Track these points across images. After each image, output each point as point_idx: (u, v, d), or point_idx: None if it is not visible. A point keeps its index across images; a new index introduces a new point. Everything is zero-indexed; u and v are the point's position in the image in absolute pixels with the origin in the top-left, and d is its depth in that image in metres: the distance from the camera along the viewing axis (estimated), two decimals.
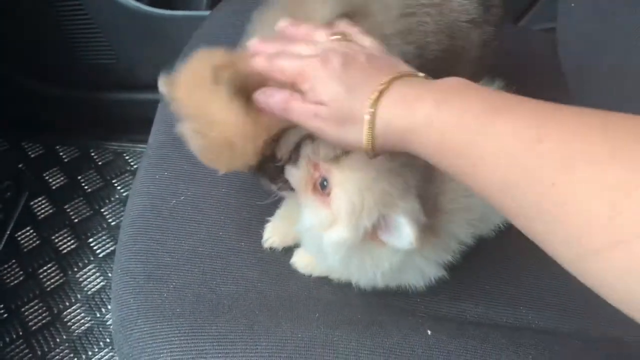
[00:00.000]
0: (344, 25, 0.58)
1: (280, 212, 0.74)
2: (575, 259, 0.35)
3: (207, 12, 0.85)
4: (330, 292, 0.69)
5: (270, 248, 0.73)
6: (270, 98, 0.53)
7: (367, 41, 0.56)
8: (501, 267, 0.73)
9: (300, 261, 0.71)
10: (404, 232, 0.53)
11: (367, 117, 0.47)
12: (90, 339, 1.19)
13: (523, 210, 0.38)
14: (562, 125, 0.38)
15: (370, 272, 0.62)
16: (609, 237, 0.32)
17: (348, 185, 0.56)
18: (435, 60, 0.66)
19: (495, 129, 0.40)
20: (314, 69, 0.51)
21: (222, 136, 0.54)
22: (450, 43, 0.67)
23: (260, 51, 0.57)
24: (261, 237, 0.73)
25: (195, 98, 0.56)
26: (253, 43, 0.59)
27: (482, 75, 0.70)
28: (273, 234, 0.73)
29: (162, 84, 0.60)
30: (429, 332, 0.65)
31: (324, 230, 0.58)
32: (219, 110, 0.54)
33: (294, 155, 0.61)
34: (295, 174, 0.60)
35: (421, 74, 0.50)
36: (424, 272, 0.65)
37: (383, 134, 0.47)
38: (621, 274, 0.32)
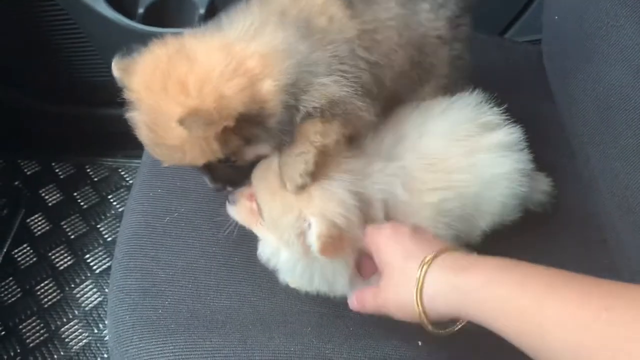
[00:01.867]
0: None
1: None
2: None
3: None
4: (323, 306, 0.70)
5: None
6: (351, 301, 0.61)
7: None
8: None
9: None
10: (311, 231, 0.55)
11: (416, 277, 0.50)
12: (88, 354, 1.19)
13: None
14: (623, 294, 0.40)
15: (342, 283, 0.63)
16: None
17: (262, 201, 0.60)
18: (403, 77, 0.68)
19: (561, 296, 0.42)
20: (387, 235, 0.57)
21: (175, 143, 0.56)
22: (419, 59, 0.68)
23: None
24: (254, 253, 0.74)
25: (152, 97, 0.57)
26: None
27: (453, 90, 0.72)
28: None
29: (116, 68, 0.61)
30: (420, 343, 0.66)
31: (278, 254, 0.63)
32: (169, 121, 0.55)
33: (230, 196, 0.65)
34: (237, 212, 0.65)
35: (462, 249, 0.54)
36: None
37: (432, 293, 0.49)
38: None
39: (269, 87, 0.56)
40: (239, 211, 0.65)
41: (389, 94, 0.68)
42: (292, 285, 0.71)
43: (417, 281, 0.50)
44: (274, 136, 0.59)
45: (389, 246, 0.55)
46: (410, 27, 0.66)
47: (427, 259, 0.50)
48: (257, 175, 0.62)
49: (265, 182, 0.61)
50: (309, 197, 0.57)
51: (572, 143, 0.89)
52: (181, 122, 0.52)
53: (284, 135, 0.59)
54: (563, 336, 0.40)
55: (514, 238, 0.70)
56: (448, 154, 0.66)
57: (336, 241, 0.56)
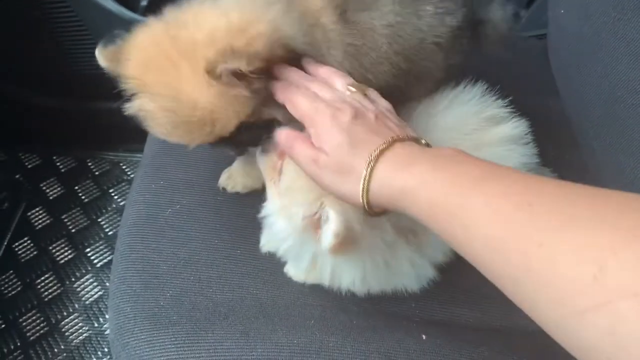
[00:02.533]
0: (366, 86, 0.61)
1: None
2: (559, 321, 0.35)
3: None
4: (325, 299, 0.69)
5: (268, 253, 0.73)
6: (280, 132, 0.56)
7: (381, 101, 0.59)
8: None
9: (293, 269, 0.71)
10: (328, 226, 0.54)
11: (364, 173, 0.49)
12: (88, 348, 1.19)
13: (509, 270, 0.39)
14: (552, 192, 0.39)
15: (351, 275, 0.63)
16: (594, 298, 0.32)
17: (289, 169, 0.59)
18: (388, 87, 0.67)
19: (487, 192, 0.42)
20: (324, 116, 0.53)
21: (203, 113, 0.55)
22: (408, 67, 0.67)
23: (280, 75, 0.59)
24: (257, 245, 0.74)
25: (161, 74, 0.55)
26: (279, 67, 0.59)
27: (448, 83, 0.72)
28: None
29: (103, 58, 0.59)
30: (424, 336, 0.65)
31: (274, 218, 0.61)
32: (194, 91, 0.54)
33: (264, 145, 0.63)
34: (262, 162, 0.64)
35: (423, 141, 0.53)
36: (415, 272, 0.65)
37: (377, 191, 0.50)
38: (604, 335, 0.32)
39: (283, 35, 0.56)
40: (264, 161, 0.65)
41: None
42: (295, 278, 0.71)
43: (364, 179, 0.50)
44: None
45: (329, 130, 0.53)
46: (404, 36, 0.65)
47: (374, 155, 0.49)
48: None
49: None
50: None
51: (577, 137, 0.88)
52: (210, 69, 0.51)
53: None
54: (484, 232, 0.40)
55: None
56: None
57: (348, 242, 0.55)
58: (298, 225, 0.57)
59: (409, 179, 0.47)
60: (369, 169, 0.49)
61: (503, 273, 0.40)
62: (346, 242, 0.54)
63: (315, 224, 0.56)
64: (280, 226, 0.62)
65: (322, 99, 0.56)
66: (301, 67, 0.61)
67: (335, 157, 0.52)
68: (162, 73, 0.55)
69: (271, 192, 0.64)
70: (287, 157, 0.60)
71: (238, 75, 0.54)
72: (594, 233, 0.34)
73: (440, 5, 0.67)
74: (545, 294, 0.36)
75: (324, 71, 0.60)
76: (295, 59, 0.61)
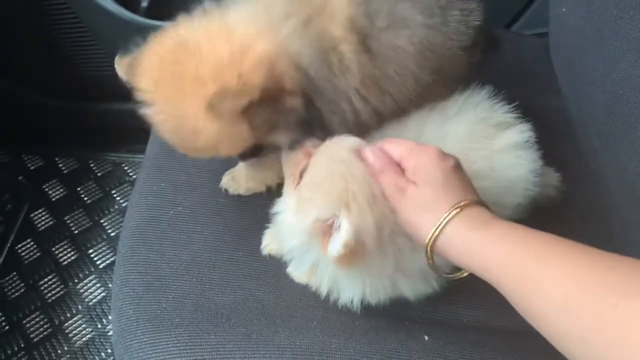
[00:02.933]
0: None
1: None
2: None
3: None
4: (328, 300, 0.69)
5: (269, 255, 0.74)
6: (375, 156, 0.57)
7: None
8: None
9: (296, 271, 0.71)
10: (340, 234, 0.53)
11: (446, 215, 0.51)
12: (91, 349, 1.19)
13: (580, 331, 0.39)
14: (627, 259, 0.40)
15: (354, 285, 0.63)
16: None
17: (319, 168, 0.58)
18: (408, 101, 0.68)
19: (563, 253, 0.43)
20: (430, 154, 0.55)
21: (207, 143, 0.56)
22: (434, 78, 0.68)
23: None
24: (259, 247, 0.74)
25: (169, 100, 0.57)
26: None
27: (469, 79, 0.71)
28: (272, 241, 0.74)
29: (120, 67, 0.61)
30: (426, 337, 0.65)
31: (286, 214, 0.62)
32: (198, 122, 0.55)
33: (292, 144, 0.63)
34: (287, 158, 0.64)
35: (483, 201, 0.55)
36: (419, 284, 0.65)
37: (449, 238, 0.51)
38: None
39: (282, 65, 0.57)
40: (290, 158, 0.64)
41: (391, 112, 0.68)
42: (297, 279, 0.71)
43: (439, 220, 0.51)
44: (297, 125, 0.60)
45: (431, 168, 0.54)
46: (434, 48, 0.65)
47: (453, 211, 0.51)
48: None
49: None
50: None
51: (580, 136, 0.88)
52: (210, 107, 0.53)
53: (312, 126, 0.61)
54: (554, 292, 0.41)
55: None
56: (471, 158, 0.65)
57: (355, 256, 0.55)
58: (308, 224, 0.57)
59: (486, 235, 0.49)
60: (453, 211, 0.51)
61: (572, 333, 0.40)
62: (352, 256, 0.54)
63: (325, 230, 0.55)
64: (291, 221, 0.61)
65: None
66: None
67: (425, 192, 0.54)
68: (171, 93, 0.56)
69: (288, 188, 0.64)
70: (316, 155, 0.60)
71: (240, 110, 0.55)
72: None
73: (464, 7, 0.67)
74: (614, 355, 0.36)
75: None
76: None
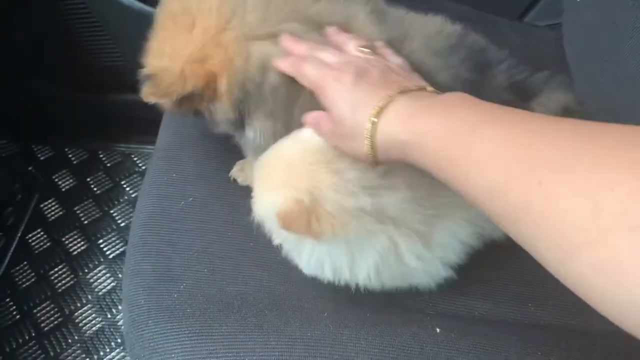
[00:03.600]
0: (380, 44, 0.62)
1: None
2: (559, 260, 0.36)
3: None
4: (339, 291, 0.69)
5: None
6: (307, 116, 0.59)
7: (393, 58, 0.60)
8: (509, 263, 0.73)
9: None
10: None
11: (366, 132, 0.50)
12: (101, 339, 1.20)
13: (510, 212, 0.39)
14: (550, 132, 0.39)
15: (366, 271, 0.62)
16: (590, 234, 0.33)
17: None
18: None
19: (488, 136, 0.42)
20: (329, 84, 0.55)
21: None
22: None
23: (290, 49, 0.60)
24: (269, 237, 0.73)
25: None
26: (285, 39, 0.61)
27: None
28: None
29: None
30: (438, 329, 0.65)
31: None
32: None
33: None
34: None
35: (429, 88, 0.53)
36: (429, 271, 0.64)
37: (384, 147, 0.50)
38: (599, 271, 0.32)
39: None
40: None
41: None
42: (306, 271, 0.71)
43: (367, 137, 0.51)
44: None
45: (336, 101, 0.54)
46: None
47: (373, 112, 0.50)
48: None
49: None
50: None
51: None
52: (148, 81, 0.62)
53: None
54: (485, 176, 0.41)
55: None
56: None
57: (299, 217, 0.54)
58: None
59: (414, 131, 0.48)
60: (370, 126, 0.50)
61: (504, 214, 0.40)
62: (298, 219, 0.54)
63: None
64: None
65: (327, 65, 0.57)
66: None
67: (341, 124, 0.53)
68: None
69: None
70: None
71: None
72: (592, 170, 0.34)
73: None
74: (544, 232, 0.36)
75: (337, 37, 0.62)
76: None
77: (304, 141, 0.59)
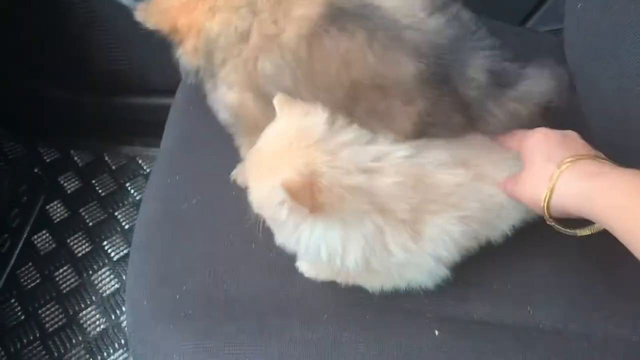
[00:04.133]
0: None
1: None
2: None
3: None
4: (339, 294, 0.70)
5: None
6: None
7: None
8: (508, 266, 0.74)
9: (305, 265, 0.72)
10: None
11: (552, 176, 0.55)
12: (105, 340, 1.21)
13: None
14: None
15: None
16: None
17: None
18: None
19: None
20: (534, 134, 0.62)
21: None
22: None
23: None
24: (272, 239, 0.74)
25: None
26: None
27: None
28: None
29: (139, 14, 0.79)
30: (437, 332, 0.66)
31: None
32: None
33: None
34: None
35: (602, 155, 0.58)
36: (420, 266, 0.64)
37: (562, 194, 0.55)
38: None
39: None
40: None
41: None
42: (307, 274, 0.72)
43: (550, 180, 0.55)
44: None
45: (536, 147, 0.60)
46: None
47: (565, 163, 0.55)
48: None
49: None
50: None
51: (594, 135, 0.88)
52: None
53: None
54: None
55: (532, 229, 0.69)
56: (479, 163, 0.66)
57: (303, 187, 0.55)
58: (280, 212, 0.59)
59: (596, 184, 0.52)
60: (558, 171, 0.55)
61: None
62: (302, 192, 0.55)
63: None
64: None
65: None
66: None
67: (532, 166, 0.59)
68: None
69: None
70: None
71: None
72: None
73: None
74: None
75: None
76: None
77: (296, 126, 0.61)
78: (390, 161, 0.61)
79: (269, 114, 0.65)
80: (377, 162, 0.60)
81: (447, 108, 0.62)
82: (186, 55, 0.76)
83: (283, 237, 0.64)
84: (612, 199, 0.51)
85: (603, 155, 0.58)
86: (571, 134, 0.62)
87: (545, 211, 0.57)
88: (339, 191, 0.56)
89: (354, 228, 0.59)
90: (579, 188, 0.54)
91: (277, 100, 0.63)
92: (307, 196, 0.55)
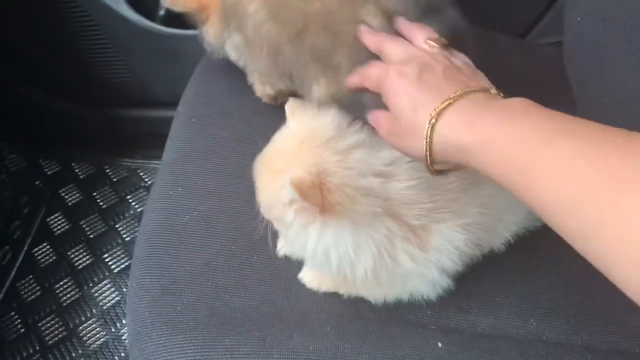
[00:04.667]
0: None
1: None
2: (632, 277, 0.36)
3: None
4: (341, 305, 0.70)
5: (285, 256, 0.74)
6: (371, 115, 0.59)
7: (460, 55, 0.59)
8: (511, 278, 0.74)
9: (307, 276, 0.72)
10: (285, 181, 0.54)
11: (424, 132, 0.50)
12: (105, 353, 1.20)
13: (583, 228, 0.38)
14: (628, 148, 0.38)
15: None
16: None
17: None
18: None
19: (560, 148, 0.41)
20: (392, 81, 0.54)
21: None
22: None
23: (365, 40, 0.62)
24: (273, 251, 0.74)
25: None
26: (363, 30, 0.63)
27: None
28: (287, 243, 0.74)
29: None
30: (440, 344, 0.65)
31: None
32: None
33: None
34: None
35: (493, 90, 0.52)
36: (425, 275, 0.63)
37: (442, 149, 0.50)
38: None
39: None
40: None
41: None
42: (309, 285, 0.72)
43: (425, 137, 0.50)
44: None
45: (398, 95, 0.54)
46: None
47: (434, 114, 0.49)
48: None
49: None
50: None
51: None
52: None
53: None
54: (558, 191, 0.40)
55: (533, 240, 0.70)
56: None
57: (313, 186, 0.54)
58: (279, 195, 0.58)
59: (476, 136, 0.46)
60: (429, 127, 0.49)
61: (575, 231, 0.39)
62: (311, 190, 0.53)
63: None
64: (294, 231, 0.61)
65: (392, 61, 0.57)
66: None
67: (402, 120, 0.53)
68: None
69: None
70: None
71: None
72: None
73: None
74: (619, 252, 0.36)
75: (407, 28, 0.62)
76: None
77: (306, 127, 0.60)
78: (402, 166, 0.60)
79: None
80: (390, 166, 0.59)
81: None
82: (212, 29, 0.84)
83: (290, 241, 0.63)
84: (490, 152, 0.45)
85: (488, 85, 0.53)
86: (458, 61, 0.56)
87: (429, 167, 0.52)
88: (351, 192, 0.55)
89: (365, 233, 0.58)
90: (454, 144, 0.48)
91: (288, 106, 0.63)
92: (317, 195, 0.54)
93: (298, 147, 0.58)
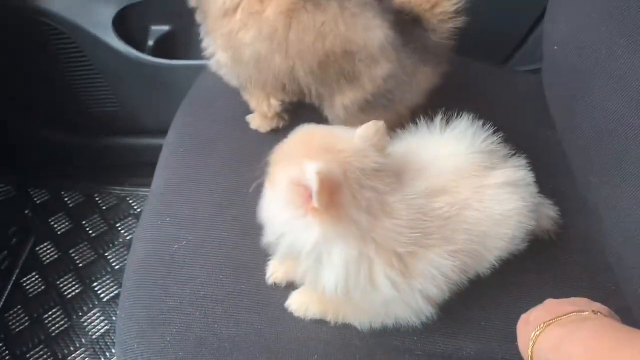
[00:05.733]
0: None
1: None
2: None
3: (207, 62, 0.90)
4: (329, 333, 0.70)
5: (274, 284, 0.75)
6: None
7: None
8: (496, 303, 0.75)
9: (295, 303, 0.72)
10: (309, 174, 0.54)
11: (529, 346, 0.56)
12: None
13: None
14: None
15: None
16: None
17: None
18: None
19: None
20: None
21: None
22: None
23: None
24: (261, 279, 0.75)
25: None
26: None
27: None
28: (276, 270, 0.75)
29: None
30: None
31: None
32: None
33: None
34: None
35: (585, 313, 0.57)
36: (409, 304, 0.64)
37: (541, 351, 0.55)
38: None
39: None
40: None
41: None
42: (296, 313, 0.72)
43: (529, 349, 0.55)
44: None
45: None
46: None
47: (533, 336, 0.55)
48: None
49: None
50: None
51: (574, 170, 0.90)
52: None
53: None
54: None
55: (517, 264, 0.71)
56: (460, 190, 0.66)
57: (332, 199, 0.55)
58: (283, 192, 0.59)
59: (558, 356, 0.53)
60: (531, 343, 0.55)
61: None
62: (329, 199, 0.55)
63: (300, 192, 0.57)
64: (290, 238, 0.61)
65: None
66: None
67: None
68: None
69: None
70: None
71: None
72: None
73: None
74: None
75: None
76: None
77: (330, 130, 0.63)
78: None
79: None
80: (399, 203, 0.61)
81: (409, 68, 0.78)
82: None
83: (287, 230, 0.62)
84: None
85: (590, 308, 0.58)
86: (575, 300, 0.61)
87: None
88: (359, 200, 0.57)
89: (344, 243, 0.59)
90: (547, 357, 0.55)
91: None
92: (329, 191, 0.55)
93: (323, 144, 0.60)
